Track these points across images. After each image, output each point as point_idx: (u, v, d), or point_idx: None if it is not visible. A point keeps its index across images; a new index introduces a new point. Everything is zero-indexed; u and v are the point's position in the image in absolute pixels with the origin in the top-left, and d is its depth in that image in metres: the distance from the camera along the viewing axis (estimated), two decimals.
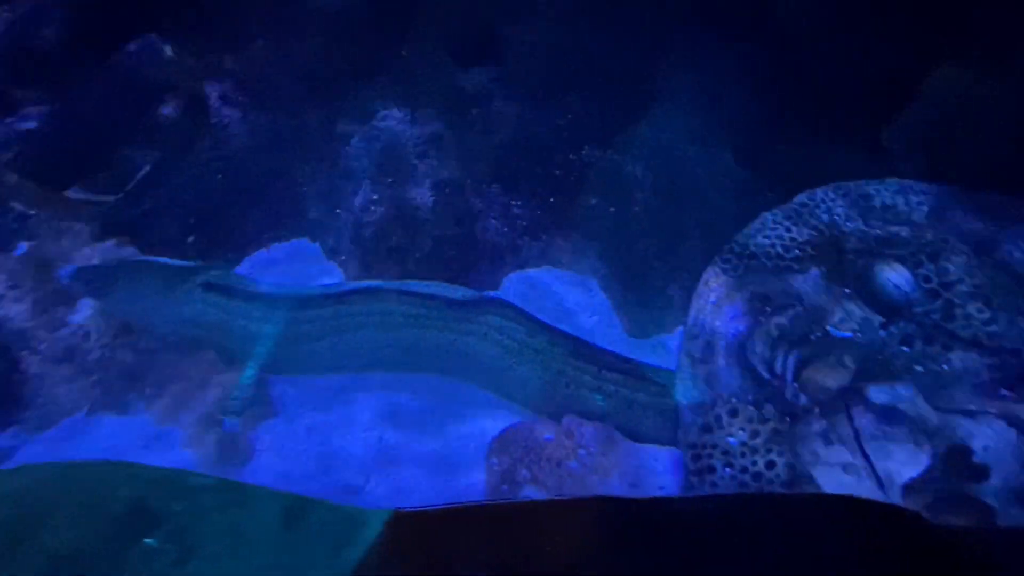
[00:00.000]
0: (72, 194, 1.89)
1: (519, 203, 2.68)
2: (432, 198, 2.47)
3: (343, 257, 2.45)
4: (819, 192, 1.48)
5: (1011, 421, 1.07)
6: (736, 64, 2.16)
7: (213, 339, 1.77)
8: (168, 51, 2.23)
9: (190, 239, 2.10)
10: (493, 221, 2.65)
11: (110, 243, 1.86)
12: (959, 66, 1.74)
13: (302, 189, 2.56)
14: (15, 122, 1.85)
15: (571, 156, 2.64)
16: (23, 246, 1.79)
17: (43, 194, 1.81)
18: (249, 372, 1.70)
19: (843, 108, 1.96)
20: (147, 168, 2.06)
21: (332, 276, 2.36)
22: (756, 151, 2.12)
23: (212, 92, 2.28)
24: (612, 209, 2.56)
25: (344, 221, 2.48)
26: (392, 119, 2.54)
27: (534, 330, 1.90)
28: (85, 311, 1.74)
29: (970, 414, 1.09)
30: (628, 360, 1.87)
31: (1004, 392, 1.12)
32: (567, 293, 2.66)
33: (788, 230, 1.45)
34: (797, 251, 1.41)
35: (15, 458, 1.57)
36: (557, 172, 2.67)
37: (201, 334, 1.77)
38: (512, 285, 2.67)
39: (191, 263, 1.89)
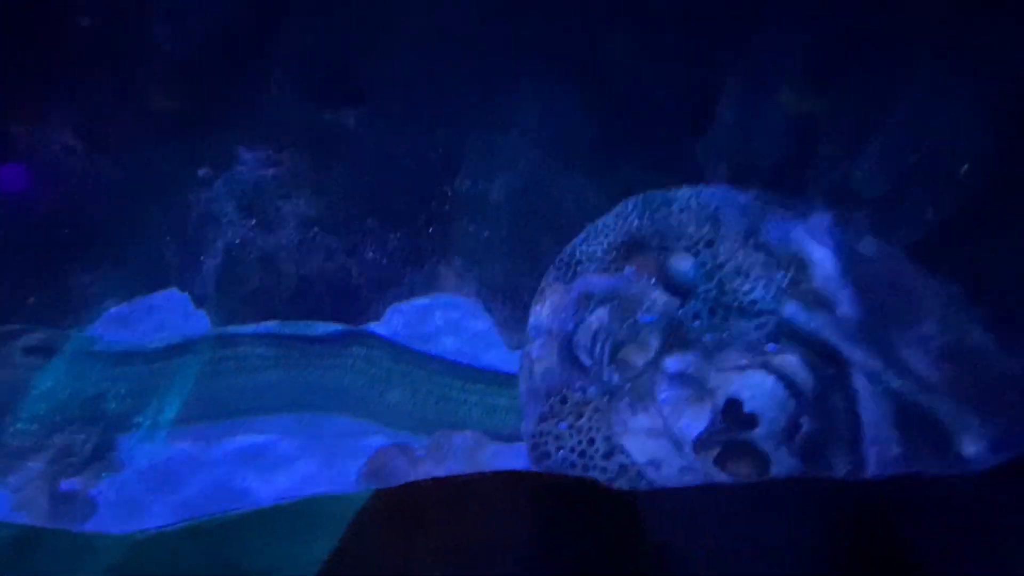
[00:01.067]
0: None
1: (398, 234, 2.78)
2: (298, 237, 2.51)
3: (210, 304, 2.42)
4: (630, 201, 1.69)
5: (770, 370, 1.27)
6: (573, 96, 2.42)
7: (54, 400, 1.71)
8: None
9: (31, 300, 2.01)
10: (371, 254, 2.72)
11: None
12: (740, 91, 2.09)
13: (164, 238, 2.52)
14: None
15: (444, 187, 2.79)
16: None
17: None
18: (85, 432, 1.64)
19: (661, 129, 2.26)
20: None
21: (199, 325, 2.32)
22: (599, 171, 2.36)
23: (55, 142, 2.23)
24: (486, 234, 2.72)
25: (208, 267, 2.46)
26: (253, 161, 2.58)
27: (399, 356, 1.98)
28: None
29: (741, 369, 1.28)
30: (491, 370, 1.98)
31: (769, 346, 1.33)
32: (451, 316, 2.77)
33: (607, 236, 1.64)
34: (614, 252, 1.59)
35: None
36: (432, 203, 2.81)
37: (33, 396, 1.70)
38: (396, 315, 2.73)
39: (13, 327, 1.81)
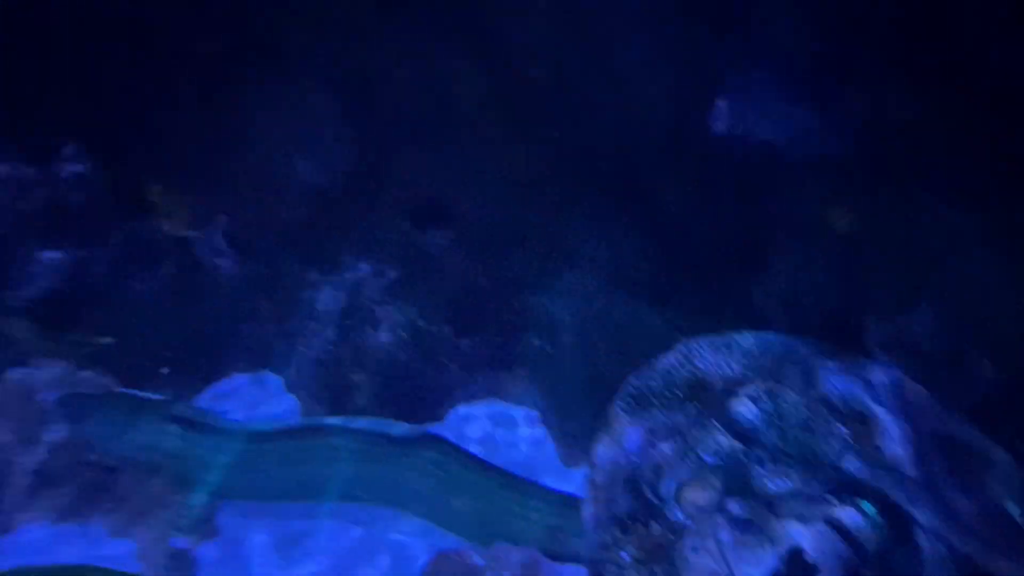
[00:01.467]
0: (72, 337, 2.14)
1: (469, 342, 3.02)
2: (388, 341, 2.79)
3: (302, 391, 2.68)
4: (694, 342, 1.86)
5: (831, 523, 1.33)
6: (636, 233, 2.70)
7: (171, 465, 1.94)
8: (171, 211, 2.66)
9: (164, 371, 2.34)
10: (443, 359, 2.96)
11: (90, 373, 2.07)
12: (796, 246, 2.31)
13: (271, 328, 2.86)
14: (32, 273, 2.16)
15: (514, 303, 3.06)
16: (17, 373, 2.01)
17: (46, 336, 2.06)
18: (199, 496, 1.85)
19: (719, 270, 2.47)
20: (150, 326, 2.38)
21: (289, 408, 2.57)
22: (661, 304, 2.57)
23: (206, 246, 2.68)
24: (549, 349, 2.92)
25: (305, 358, 2.75)
26: (357, 271, 2.95)
27: (467, 463, 2.12)
28: (59, 433, 1.91)
29: (803, 519, 1.35)
30: (550, 490, 2.07)
31: (828, 498, 1.39)
32: (510, 424, 2.91)
33: (672, 373, 1.80)
34: (679, 391, 1.74)
35: None
36: (502, 317, 3.07)
37: (160, 460, 1.94)
38: (459, 418, 2.90)
39: (160, 396, 2.10)
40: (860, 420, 1.62)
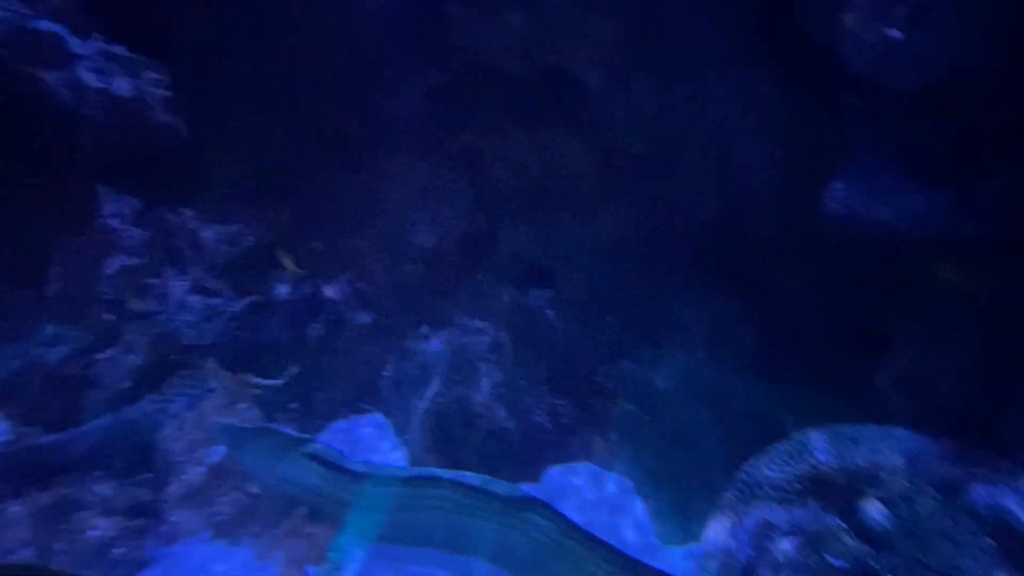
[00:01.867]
0: (247, 379, 2.49)
1: (564, 403, 3.08)
2: (489, 397, 2.91)
3: (408, 437, 2.85)
4: (814, 433, 1.80)
5: None
6: (740, 308, 2.67)
7: (307, 499, 2.15)
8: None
9: (294, 406, 2.61)
10: (539, 418, 3.02)
11: (244, 406, 2.36)
12: (924, 327, 2.17)
13: (384, 375, 3.08)
14: (223, 317, 2.56)
15: (609, 367, 3.09)
16: (200, 407, 2.34)
17: (228, 376, 2.41)
18: (343, 538, 2.02)
19: (834, 353, 2.37)
20: (297, 368, 2.71)
21: (398, 451, 2.74)
22: (767, 383, 2.50)
23: (347, 309, 3.01)
24: (646, 417, 2.91)
25: (413, 407, 2.93)
26: (466, 328, 3.13)
27: (568, 532, 2.13)
28: (218, 456, 2.19)
29: None
30: (652, 569, 2.03)
31: None
32: (602, 490, 2.89)
33: (788, 465, 1.75)
34: (797, 484, 1.69)
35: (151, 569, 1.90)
36: (597, 379, 3.10)
37: (299, 493, 2.15)
38: (553, 478, 2.93)
39: (300, 434, 2.32)
40: (1010, 534, 1.49)
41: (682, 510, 2.52)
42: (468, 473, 2.25)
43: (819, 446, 1.73)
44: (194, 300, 2.53)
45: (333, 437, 2.79)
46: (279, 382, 2.61)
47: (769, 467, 1.75)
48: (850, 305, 2.35)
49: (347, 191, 3.17)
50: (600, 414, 3.06)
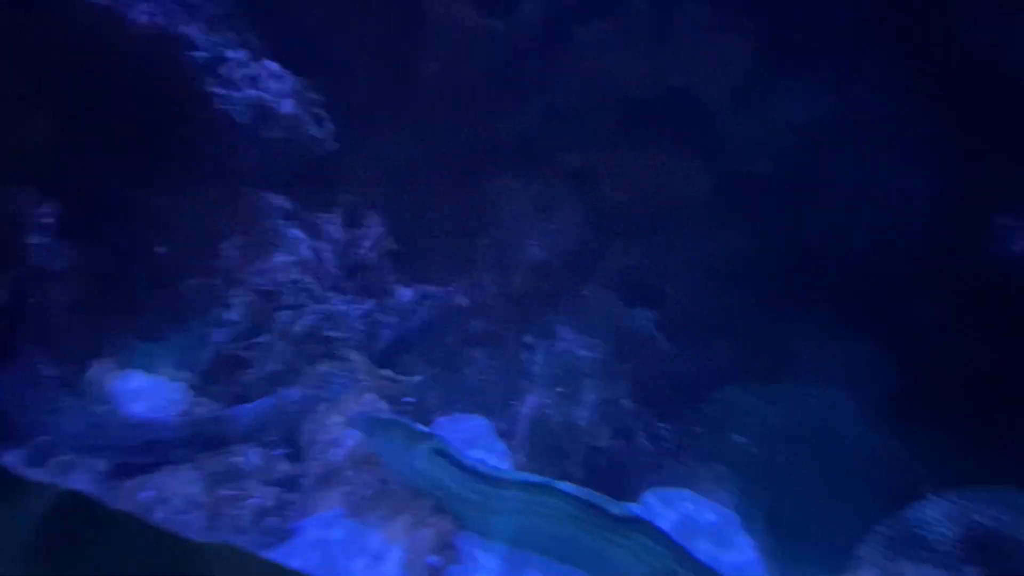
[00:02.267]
0: (385, 372, 2.73)
1: (667, 427, 3.05)
2: (594, 412, 2.95)
3: (512, 442, 2.95)
4: (969, 492, 1.69)
5: None
6: (873, 347, 2.53)
7: (432, 491, 2.30)
8: None
9: (410, 400, 2.80)
10: (643, 440, 3.02)
11: (372, 397, 2.58)
12: None
13: (490, 379, 3.21)
14: (359, 315, 2.82)
15: (718, 395, 3.03)
16: (343, 397, 2.57)
17: (370, 369, 2.65)
18: (464, 533, 2.15)
19: (988, 405, 2.19)
20: (421, 366, 2.93)
21: (501, 455, 2.85)
22: (900, 431, 2.36)
23: (460, 315, 3.20)
24: (755, 451, 2.82)
25: (517, 412, 3.03)
26: (570, 342, 3.19)
27: (682, 559, 2.12)
28: (351, 442, 2.38)
29: None
30: None
31: None
32: (704, 520, 2.83)
33: (945, 526, 1.64)
34: (953, 547, 1.59)
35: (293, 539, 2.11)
36: (704, 406, 3.06)
37: (424, 485, 2.31)
38: (653, 501, 2.91)
39: (424, 428, 2.49)
40: None
41: (799, 554, 2.42)
42: (574, 485, 2.30)
43: (977, 508, 1.62)
44: (335, 296, 2.80)
45: (438, 429, 2.95)
46: (414, 378, 2.81)
47: (917, 525, 1.66)
48: (1009, 356, 2.16)
49: (465, 204, 3.35)
50: (706, 442, 3.01)
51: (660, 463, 3.02)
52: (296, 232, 2.89)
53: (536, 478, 2.35)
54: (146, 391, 2.45)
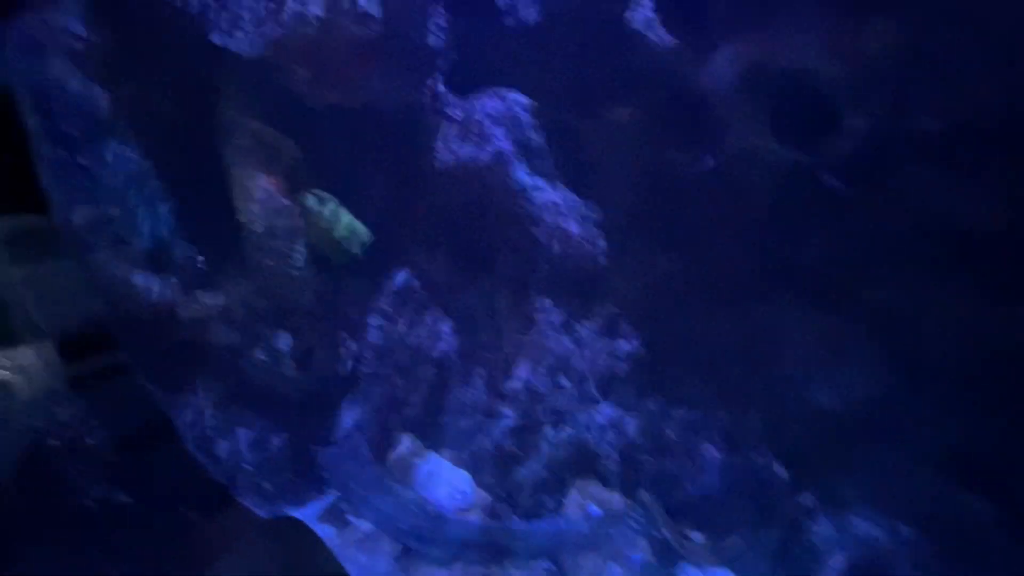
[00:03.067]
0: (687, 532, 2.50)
1: None
2: None
3: None
4: None
5: None
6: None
7: None
8: None
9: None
10: None
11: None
12: None
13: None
14: None
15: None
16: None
17: (666, 520, 2.45)
18: None
19: None
20: None
21: None
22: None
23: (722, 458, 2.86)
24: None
25: None
26: (862, 519, 2.60)
27: None
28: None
29: None
30: None
31: None
32: None
33: None
34: None
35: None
36: None
37: None
38: None
39: None
40: None
41: None
42: None
43: None
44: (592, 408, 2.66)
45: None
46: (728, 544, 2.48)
47: None
48: None
49: (734, 334, 3.07)
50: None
51: None
52: (566, 340, 2.90)
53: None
54: (439, 475, 2.47)
